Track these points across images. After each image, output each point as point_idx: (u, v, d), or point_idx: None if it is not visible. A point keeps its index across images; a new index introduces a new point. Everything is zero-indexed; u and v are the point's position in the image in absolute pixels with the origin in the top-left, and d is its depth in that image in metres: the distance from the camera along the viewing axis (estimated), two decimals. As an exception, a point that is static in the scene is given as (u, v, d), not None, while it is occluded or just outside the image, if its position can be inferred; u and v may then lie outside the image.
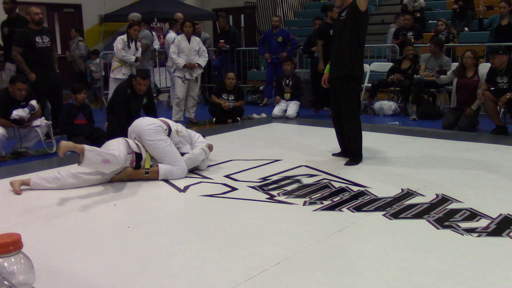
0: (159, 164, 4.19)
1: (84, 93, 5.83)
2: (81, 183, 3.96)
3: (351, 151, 4.74)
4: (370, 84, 8.34)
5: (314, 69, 8.69)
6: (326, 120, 7.53)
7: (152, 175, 4.16)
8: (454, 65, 7.28)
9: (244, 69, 11.10)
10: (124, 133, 4.45)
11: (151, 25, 10.32)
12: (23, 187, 3.93)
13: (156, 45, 8.92)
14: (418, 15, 10.35)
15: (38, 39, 6.23)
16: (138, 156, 4.15)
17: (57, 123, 6.11)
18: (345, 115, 4.71)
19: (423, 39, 8.96)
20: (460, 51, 8.04)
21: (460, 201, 3.54)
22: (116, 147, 4.00)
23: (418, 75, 7.52)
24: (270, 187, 4.00)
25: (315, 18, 8.91)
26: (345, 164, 4.65)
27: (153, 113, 5.84)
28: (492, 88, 6.25)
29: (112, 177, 4.07)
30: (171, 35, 8.40)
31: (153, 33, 8.80)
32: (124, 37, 7.31)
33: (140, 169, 4.16)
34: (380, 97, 8.51)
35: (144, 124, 4.26)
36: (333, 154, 4.99)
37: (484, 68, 6.81)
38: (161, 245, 2.88)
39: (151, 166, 4.19)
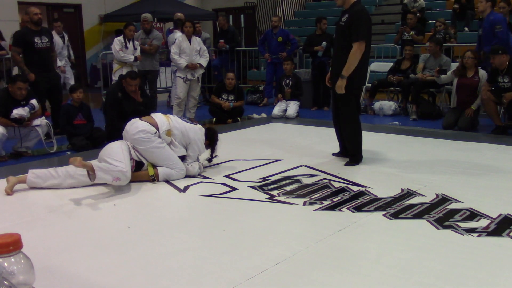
0: (157, 168, 4.18)
1: (80, 92, 5.83)
2: (79, 183, 3.95)
3: (351, 152, 4.74)
4: (370, 84, 8.34)
5: (315, 69, 8.69)
6: (326, 120, 7.53)
7: (156, 178, 4.17)
8: (454, 65, 7.28)
9: (244, 69, 11.09)
10: (120, 134, 4.41)
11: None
12: (19, 185, 3.92)
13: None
14: (419, 15, 10.35)
15: (37, 39, 6.22)
16: (139, 164, 4.15)
17: (57, 123, 6.11)
18: (344, 119, 4.70)
19: (423, 38, 8.97)
20: (460, 51, 8.04)
21: (460, 201, 3.54)
22: (121, 157, 3.88)
23: (415, 75, 7.51)
24: (270, 187, 4.00)
25: (318, 18, 8.88)
26: (345, 164, 4.65)
27: (152, 107, 5.88)
28: (492, 88, 6.25)
29: None
30: (178, 34, 8.40)
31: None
32: (121, 38, 7.33)
33: (141, 172, 4.15)
34: (380, 97, 8.51)
35: (132, 132, 4.14)
36: (333, 154, 4.99)
37: (484, 68, 6.80)
38: (161, 245, 2.88)
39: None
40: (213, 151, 4.62)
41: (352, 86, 4.50)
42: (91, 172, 3.76)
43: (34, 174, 3.94)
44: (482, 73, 6.57)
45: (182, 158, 4.32)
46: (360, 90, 4.72)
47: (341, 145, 4.93)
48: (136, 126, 4.18)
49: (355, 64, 4.35)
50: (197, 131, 4.41)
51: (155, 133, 4.16)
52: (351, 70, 4.36)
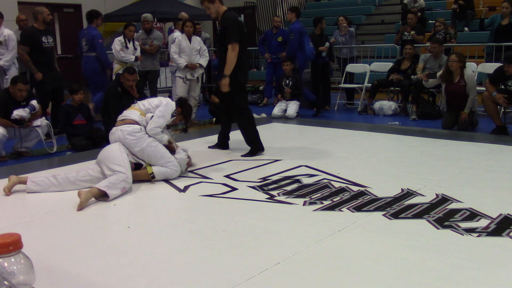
0: (153, 167, 4.17)
1: (81, 94, 5.83)
2: (79, 188, 3.93)
3: (249, 144, 5.14)
4: (370, 84, 8.34)
5: (318, 70, 8.66)
6: (326, 120, 7.54)
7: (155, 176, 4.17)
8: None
9: (244, 69, 11.07)
10: None
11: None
12: (19, 185, 3.92)
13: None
14: (420, 14, 10.36)
15: (44, 39, 6.26)
16: (137, 165, 4.16)
17: (57, 123, 6.11)
18: (236, 110, 5.12)
19: (423, 38, 8.97)
20: (460, 51, 8.02)
21: (460, 201, 3.54)
22: (121, 161, 3.88)
23: (415, 76, 7.51)
24: (270, 187, 4.00)
25: (318, 18, 8.86)
26: (242, 156, 5.02)
27: None
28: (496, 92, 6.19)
29: None
30: (177, 34, 8.40)
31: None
32: (121, 38, 7.35)
33: (140, 171, 4.15)
34: (380, 97, 8.51)
35: (122, 137, 4.08)
36: (209, 147, 5.38)
37: (478, 68, 6.74)
38: (161, 245, 2.88)
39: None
40: (187, 119, 4.66)
41: (236, 81, 4.90)
42: (102, 197, 3.65)
43: (34, 182, 3.91)
44: (468, 75, 6.47)
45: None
46: (242, 85, 5.11)
47: (220, 138, 5.40)
48: (124, 130, 4.10)
49: (233, 64, 4.83)
50: (165, 97, 4.57)
51: (140, 129, 4.14)
52: (231, 69, 4.83)
